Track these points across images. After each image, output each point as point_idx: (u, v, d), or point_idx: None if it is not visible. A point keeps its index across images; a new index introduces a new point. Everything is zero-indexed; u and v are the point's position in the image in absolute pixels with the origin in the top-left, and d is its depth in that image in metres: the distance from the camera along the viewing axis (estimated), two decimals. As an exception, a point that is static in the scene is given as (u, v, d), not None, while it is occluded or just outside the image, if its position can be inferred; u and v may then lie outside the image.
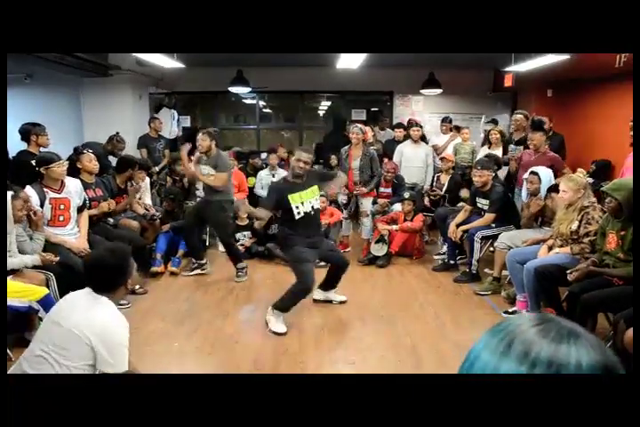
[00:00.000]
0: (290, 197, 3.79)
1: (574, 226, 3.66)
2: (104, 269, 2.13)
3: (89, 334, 1.96)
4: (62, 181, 3.92)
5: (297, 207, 3.80)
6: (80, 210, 4.07)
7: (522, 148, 4.93)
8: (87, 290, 2.15)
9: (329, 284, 4.25)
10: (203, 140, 4.70)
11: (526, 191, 4.47)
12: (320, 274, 4.09)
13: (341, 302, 4.29)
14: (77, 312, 2.06)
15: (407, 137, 6.68)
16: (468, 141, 6.60)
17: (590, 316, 3.09)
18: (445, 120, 7.22)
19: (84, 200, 4.14)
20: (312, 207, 3.88)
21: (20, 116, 5.46)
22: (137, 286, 4.46)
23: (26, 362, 2.06)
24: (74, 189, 3.98)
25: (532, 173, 4.37)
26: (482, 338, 0.79)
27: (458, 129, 7.24)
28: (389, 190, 5.88)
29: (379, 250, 5.47)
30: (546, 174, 4.33)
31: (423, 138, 6.69)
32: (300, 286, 3.71)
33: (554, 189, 4.26)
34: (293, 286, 3.75)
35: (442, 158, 6.19)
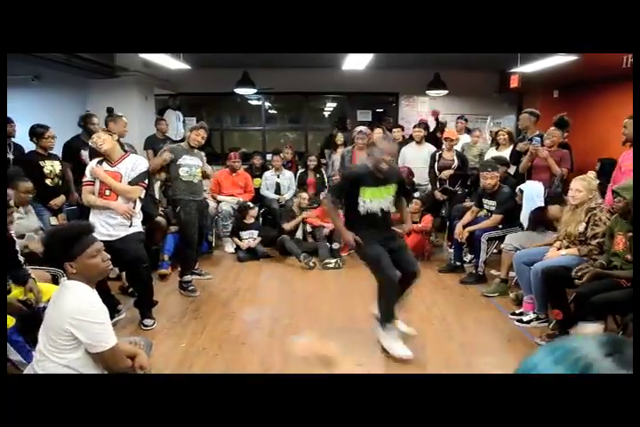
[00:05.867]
0: (362, 189, 3.38)
1: (581, 227, 3.65)
2: (46, 242, 2.16)
3: (62, 323, 1.92)
4: (124, 155, 3.69)
5: (364, 202, 3.40)
6: (132, 184, 3.70)
7: (540, 139, 4.89)
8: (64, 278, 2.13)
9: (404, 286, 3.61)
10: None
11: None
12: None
13: (405, 335, 3.54)
14: (51, 305, 2.05)
15: (410, 138, 6.70)
16: (477, 144, 6.56)
17: (600, 319, 3.08)
18: (461, 118, 7.24)
19: (140, 175, 3.70)
20: (381, 209, 3.45)
21: (28, 116, 5.50)
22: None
23: (34, 360, 2.06)
24: (132, 163, 3.68)
25: (520, 190, 4.46)
26: (544, 355, 0.81)
27: (468, 131, 7.23)
28: None
29: None
30: (533, 192, 4.36)
31: (428, 139, 6.68)
32: (384, 284, 3.36)
33: (553, 200, 4.30)
34: (378, 288, 3.41)
35: (446, 138, 5.85)
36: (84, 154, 4.83)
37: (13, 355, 2.78)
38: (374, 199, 3.40)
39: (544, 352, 0.82)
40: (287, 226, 5.77)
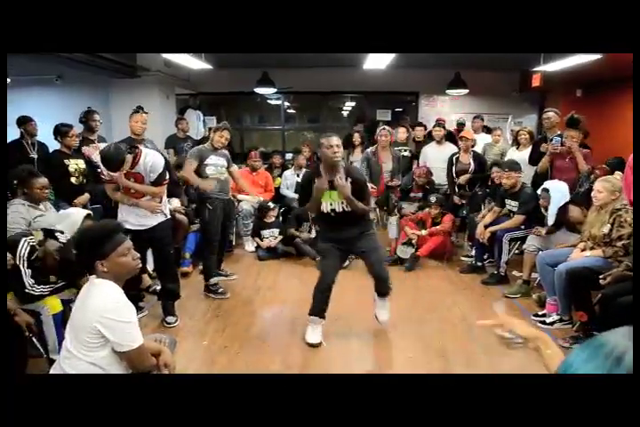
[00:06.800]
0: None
1: (606, 229, 3.60)
2: (77, 241, 2.18)
3: (90, 322, 1.93)
4: (137, 156, 3.55)
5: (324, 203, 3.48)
6: (156, 184, 3.69)
7: (560, 139, 4.76)
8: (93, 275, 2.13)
9: (374, 286, 3.80)
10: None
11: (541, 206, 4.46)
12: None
13: (379, 321, 3.78)
14: (78, 303, 2.06)
15: (430, 137, 6.66)
16: (499, 143, 6.50)
17: (626, 320, 3.04)
18: (477, 117, 7.18)
19: (160, 175, 3.67)
20: (333, 210, 3.48)
21: (51, 115, 5.58)
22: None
23: (61, 357, 2.08)
24: (149, 165, 3.59)
25: (544, 189, 4.36)
26: (579, 352, 0.86)
27: (489, 130, 7.17)
28: (420, 195, 5.84)
29: (404, 252, 5.44)
30: (558, 190, 4.29)
31: (449, 138, 6.62)
32: (318, 282, 3.58)
33: (574, 199, 4.23)
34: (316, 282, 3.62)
35: (461, 137, 5.81)
36: (86, 149, 4.88)
37: (51, 339, 2.87)
38: (325, 201, 3.45)
39: (577, 352, 0.85)
40: (292, 232, 5.79)
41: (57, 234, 3.07)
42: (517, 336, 1.43)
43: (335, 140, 3.36)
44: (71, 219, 3.30)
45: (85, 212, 3.45)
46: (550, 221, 4.29)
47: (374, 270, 3.68)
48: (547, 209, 4.39)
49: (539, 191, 4.46)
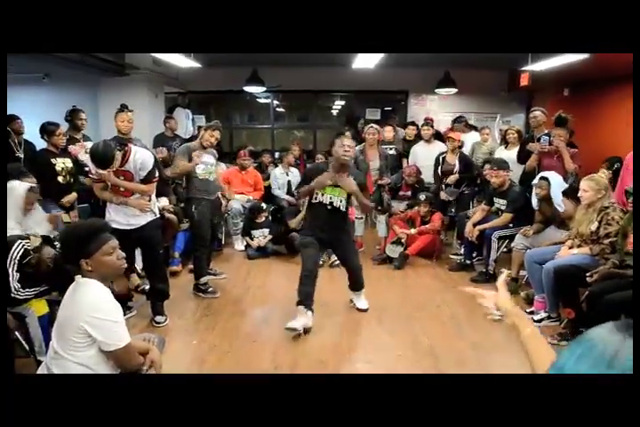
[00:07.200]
0: None
1: (593, 227, 3.64)
2: (62, 240, 2.21)
3: (77, 321, 1.92)
4: (127, 153, 3.54)
5: (317, 194, 3.76)
6: (145, 182, 3.66)
7: (549, 138, 4.76)
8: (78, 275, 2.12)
9: (350, 284, 4.15)
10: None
11: (535, 197, 4.45)
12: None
13: (359, 310, 4.14)
14: (65, 303, 2.05)
15: (419, 136, 6.66)
16: (487, 142, 6.53)
17: (613, 318, 3.07)
18: (458, 121, 7.15)
19: (150, 172, 3.65)
20: (331, 203, 3.76)
21: (39, 114, 5.52)
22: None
23: (48, 357, 2.07)
24: (138, 162, 3.57)
25: (542, 178, 4.34)
26: (569, 354, 0.85)
27: (475, 129, 7.19)
28: (409, 193, 5.85)
29: (393, 251, 5.45)
30: (556, 179, 4.30)
31: (438, 137, 6.63)
32: (302, 270, 3.73)
33: (567, 192, 4.25)
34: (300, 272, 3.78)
35: (448, 137, 5.85)
36: (73, 148, 4.84)
37: (37, 341, 2.84)
38: (327, 194, 3.75)
39: (567, 353, 0.84)
40: (292, 223, 5.76)
41: (55, 243, 3.04)
42: (498, 309, 1.46)
43: (347, 141, 3.65)
44: (15, 193, 3.24)
45: (28, 184, 3.35)
46: (560, 208, 4.27)
47: (353, 274, 4.06)
48: (542, 200, 4.38)
49: (535, 181, 4.43)
